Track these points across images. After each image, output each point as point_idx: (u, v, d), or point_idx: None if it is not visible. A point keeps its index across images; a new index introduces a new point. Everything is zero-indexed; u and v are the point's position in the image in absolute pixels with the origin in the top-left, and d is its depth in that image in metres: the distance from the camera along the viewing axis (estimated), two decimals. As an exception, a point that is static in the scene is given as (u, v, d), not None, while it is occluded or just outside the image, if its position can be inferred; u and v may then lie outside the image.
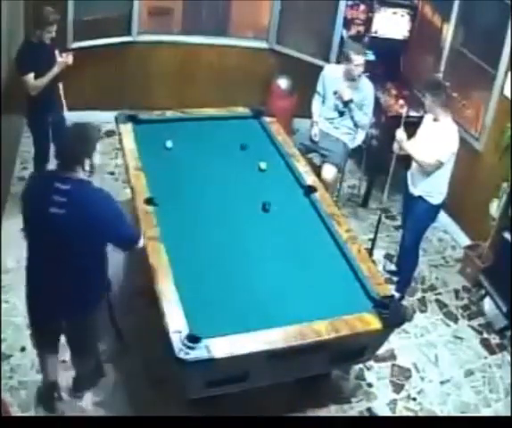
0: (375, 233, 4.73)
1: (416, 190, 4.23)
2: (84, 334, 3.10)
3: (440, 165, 4.00)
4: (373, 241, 4.74)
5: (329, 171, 4.90)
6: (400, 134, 4.20)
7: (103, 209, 2.79)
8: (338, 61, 5.72)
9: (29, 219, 2.85)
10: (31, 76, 4.26)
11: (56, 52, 4.48)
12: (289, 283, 3.29)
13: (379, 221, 4.71)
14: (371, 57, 5.43)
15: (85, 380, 3.42)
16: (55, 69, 4.39)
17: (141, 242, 3.05)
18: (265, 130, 4.67)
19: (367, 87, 4.90)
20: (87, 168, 2.79)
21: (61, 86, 4.63)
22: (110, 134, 5.61)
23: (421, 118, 4.37)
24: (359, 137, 5.11)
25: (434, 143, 4.00)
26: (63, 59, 4.45)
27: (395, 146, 4.29)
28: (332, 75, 4.96)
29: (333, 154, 4.92)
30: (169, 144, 4.23)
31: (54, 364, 3.28)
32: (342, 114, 4.95)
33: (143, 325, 3.85)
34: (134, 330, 3.86)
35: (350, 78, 4.83)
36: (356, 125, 4.96)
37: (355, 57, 4.75)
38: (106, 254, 2.97)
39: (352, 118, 4.91)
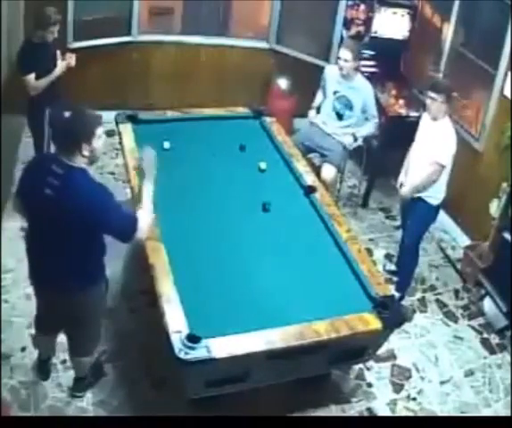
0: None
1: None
2: (79, 326, 3.12)
3: (443, 169, 3.99)
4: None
5: (329, 171, 4.90)
6: (402, 178, 4.26)
7: (93, 199, 2.76)
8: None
9: (26, 196, 2.89)
10: (32, 76, 4.25)
11: (58, 52, 4.48)
12: (289, 284, 3.29)
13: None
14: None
15: (85, 380, 3.43)
16: (57, 71, 4.38)
17: (140, 233, 2.90)
18: (265, 130, 4.67)
19: (364, 86, 4.87)
20: (86, 153, 2.77)
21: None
22: (110, 134, 5.62)
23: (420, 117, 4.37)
24: (366, 130, 5.01)
25: (435, 147, 3.97)
26: (66, 61, 4.44)
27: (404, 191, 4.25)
28: (331, 74, 4.96)
29: (332, 154, 4.92)
30: (166, 144, 4.22)
31: (48, 344, 3.42)
32: (340, 117, 4.95)
33: (143, 325, 3.85)
34: (134, 330, 3.87)
35: (344, 76, 4.81)
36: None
37: (341, 52, 4.77)
38: (99, 244, 2.95)
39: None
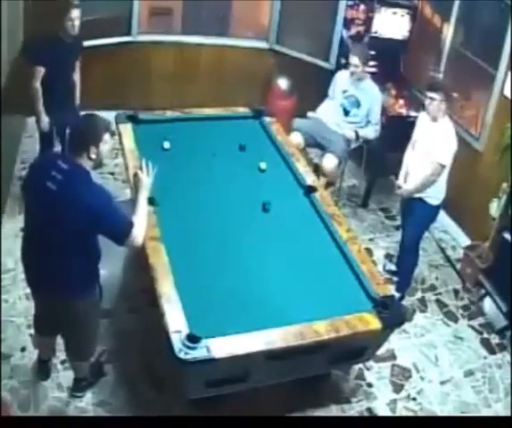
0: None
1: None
2: (74, 330, 3.13)
3: (444, 168, 3.99)
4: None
5: (330, 161, 4.93)
6: (401, 182, 4.25)
7: (92, 198, 2.78)
8: (337, 61, 5.76)
9: (29, 188, 2.92)
10: (41, 70, 4.21)
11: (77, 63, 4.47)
12: (289, 284, 3.29)
13: None
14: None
15: (84, 380, 3.44)
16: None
17: (135, 239, 2.91)
18: (265, 130, 4.67)
19: (373, 90, 4.95)
20: (93, 156, 2.83)
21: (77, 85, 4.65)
22: (110, 134, 5.62)
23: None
24: (367, 132, 5.04)
25: (436, 147, 3.97)
26: None
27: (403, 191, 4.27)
28: (342, 78, 5.06)
29: (335, 146, 4.95)
30: (166, 144, 4.22)
31: (47, 345, 3.42)
32: (347, 113, 5.00)
33: (143, 325, 3.85)
34: (134, 330, 3.87)
35: (355, 79, 4.91)
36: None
37: (351, 58, 4.87)
38: (94, 249, 2.97)
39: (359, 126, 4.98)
